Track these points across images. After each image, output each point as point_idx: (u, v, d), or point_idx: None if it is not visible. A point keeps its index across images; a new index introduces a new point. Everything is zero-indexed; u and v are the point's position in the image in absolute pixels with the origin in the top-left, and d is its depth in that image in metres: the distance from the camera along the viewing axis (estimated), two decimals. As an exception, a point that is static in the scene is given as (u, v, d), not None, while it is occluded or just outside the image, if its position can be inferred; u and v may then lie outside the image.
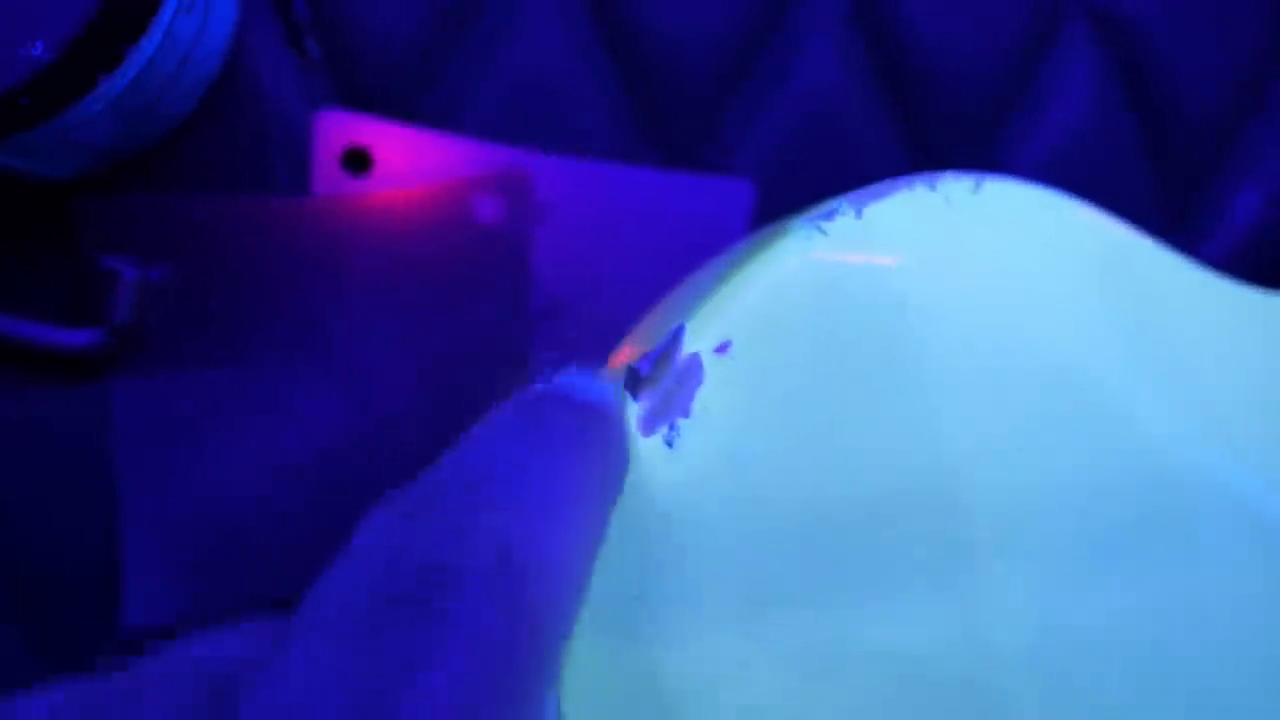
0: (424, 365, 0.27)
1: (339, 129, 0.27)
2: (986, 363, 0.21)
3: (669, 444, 0.19)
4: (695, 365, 0.19)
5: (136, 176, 0.27)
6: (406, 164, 0.27)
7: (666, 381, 0.19)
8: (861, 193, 0.21)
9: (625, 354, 0.21)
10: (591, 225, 0.28)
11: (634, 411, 0.19)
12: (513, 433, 0.16)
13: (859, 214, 0.21)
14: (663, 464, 0.19)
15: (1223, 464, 0.22)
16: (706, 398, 0.19)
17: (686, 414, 0.19)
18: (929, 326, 0.20)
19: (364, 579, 0.13)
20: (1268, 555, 0.22)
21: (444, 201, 0.27)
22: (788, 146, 0.29)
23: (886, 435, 0.20)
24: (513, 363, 0.27)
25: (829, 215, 0.20)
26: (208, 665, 0.14)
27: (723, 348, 0.19)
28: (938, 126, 0.30)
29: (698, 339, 0.19)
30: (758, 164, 0.29)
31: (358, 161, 0.28)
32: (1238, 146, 0.32)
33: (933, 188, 0.21)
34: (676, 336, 0.19)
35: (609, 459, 0.17)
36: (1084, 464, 0.21)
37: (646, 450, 0.19)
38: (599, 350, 0.22)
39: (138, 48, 0.21)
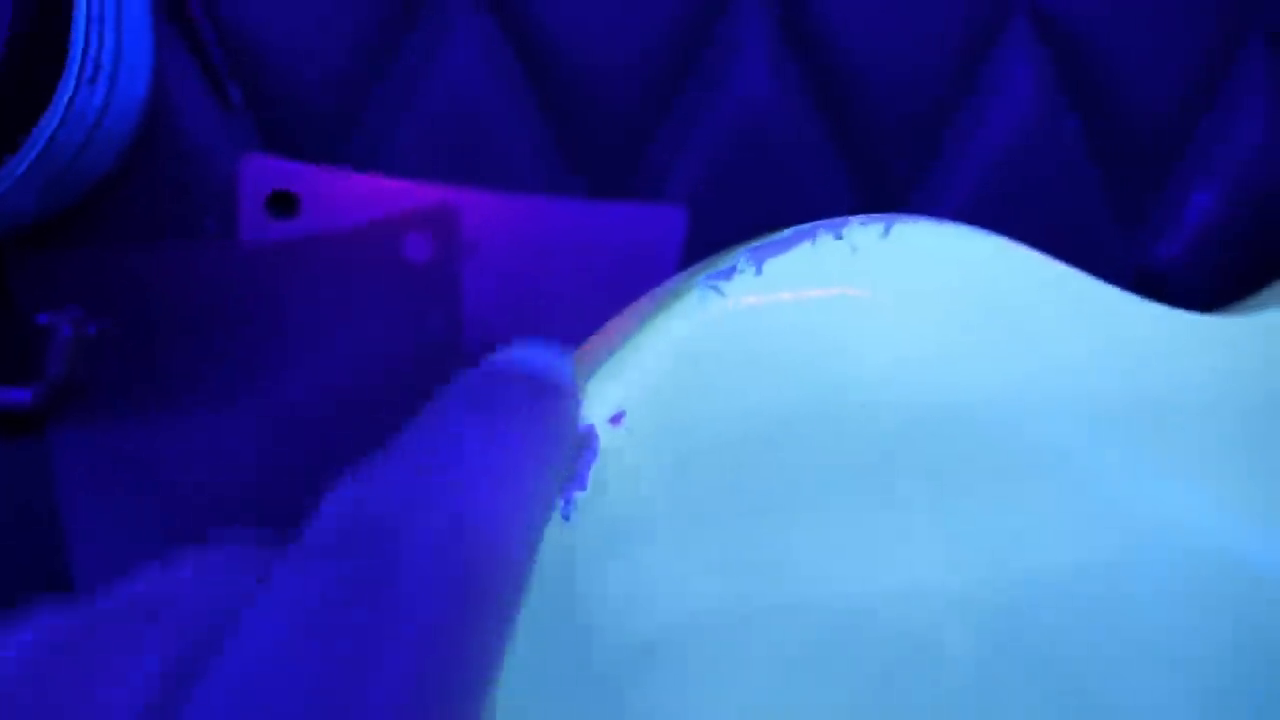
0: (358, 404, 0.27)
1: (263, 174, 0.27)
2: (900, 406, 0.21)
3: (565, 517, 0.19)
4: (590, 437, 0.19)
5: (68, 230, 0.27)
6: (333, 205, 0.27)
7: (562, 454, 0.19)
8: (762, 246, 0.21)
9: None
10: (522, 259, 0.28)
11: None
12: (464, 406, 0.16)
13: (759, 270, 0.20)
14: (558, 536, 0.19)
15: (1152, 487, 0.22)
16: (602, 469, 0.19)
17: (583, 486, 0.19)
18: (833, 379, 0.20)
19: (317, 555, 0.14)
20: (1204, 581, 0.22)
21: (372, 241, 0.27)
22: (720, 164, 0.29)
23: (788, 492, 0.20)
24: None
25: (728, 274, 0.20)
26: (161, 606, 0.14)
27: (617, 418, 0.19)
28: (875, 134, 0.30)
29: (592, 410, 0.19)
30: (690, 185, 0.29)
31: (284, 205, 0.28)
32: (1189, 146, 0.31)
33: (838, 236, 0.21)
34: (572, 408, 0.19)
35: (558, 429, 0.17)
36: (1010, 508, 0.21)
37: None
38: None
39: (36, 129, 0.21)
